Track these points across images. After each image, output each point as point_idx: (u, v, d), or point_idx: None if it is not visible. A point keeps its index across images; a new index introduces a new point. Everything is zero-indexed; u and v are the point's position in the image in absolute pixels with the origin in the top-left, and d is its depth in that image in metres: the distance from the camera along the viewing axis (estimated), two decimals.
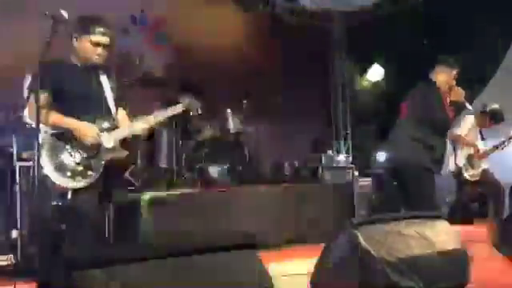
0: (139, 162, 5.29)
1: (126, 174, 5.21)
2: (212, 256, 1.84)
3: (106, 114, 2.93)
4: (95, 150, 2.82)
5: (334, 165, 6.39)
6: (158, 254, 1.85)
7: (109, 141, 2.85)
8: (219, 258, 1.84)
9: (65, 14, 2.58)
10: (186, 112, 3.20)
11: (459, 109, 3.85)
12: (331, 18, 9.83)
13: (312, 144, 8.18)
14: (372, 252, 2.14)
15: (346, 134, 9.93)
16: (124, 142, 2.90)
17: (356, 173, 6.72)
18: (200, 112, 3.26)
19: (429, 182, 3.67)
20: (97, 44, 2.91)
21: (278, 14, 8.90)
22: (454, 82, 3.85)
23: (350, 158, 6.60)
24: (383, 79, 12.72)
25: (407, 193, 3.85)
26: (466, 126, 5.37)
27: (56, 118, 2.79)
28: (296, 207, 4.99)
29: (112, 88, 3.00)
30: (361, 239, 2.17)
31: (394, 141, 4.05)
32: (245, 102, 6.07)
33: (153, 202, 4.26)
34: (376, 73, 12.91)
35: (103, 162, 2.82)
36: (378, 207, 6.59)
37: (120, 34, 6.96)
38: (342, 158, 6.59)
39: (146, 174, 5.42)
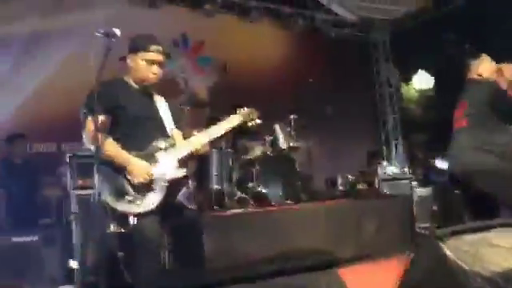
0: (190, 183, 5.20)
1: (179, 197, 5.14)
2: (289, 278, 1.67)
3: (164, 134, 2.83)
4: (155, 170, 2.72)
5: (391, 176, 6.10)
6: (226, 279, 1.70)
7: (168, 161, 2.75)
8: (298, 280, 1.68)
9: (117, 31, 2.52)
10: (243, 124, 3.06)
11: None
12: (373, 27, 9.62)
13: (364, 156, 7.90)
14: (463, 265, 1.91)
15: (397, 144, 9.60)
16: (183, 162, 2.79)
17: (414, 183, 6.41)
18: (258, 121, 3.09)
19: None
20: (152, 62, 2.83)
21: (319, 27, 8.78)
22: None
23: (406, 169, 6.30)
24: (431, 86, 12.35)
25: (479, 200, 3.53)
26: None
27: (110, 148, 2.67)
28: (356, 222, 4.74)
29: (167, 108, 2.92)
30: (448, 251, 1.95)
31: (458, 150, 3.72)
32: (293, 117, 5.91)
33: (213, 223, 4.13)
34: (423, 80, 12.56)
35: (164, 184, 2.71)
36: (440, 217, 6.25)
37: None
38: (397, 168, 6.30)
39: (198, 196, 5.33)
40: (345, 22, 9.37)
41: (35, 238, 3.98)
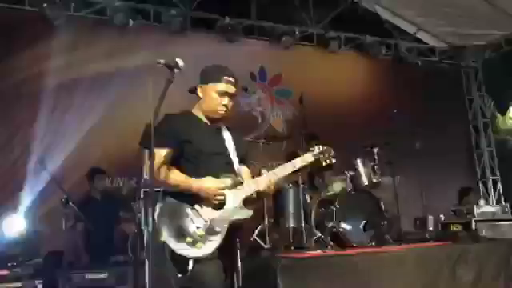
0: (266, 221, 4.93)
1: (254, 236, 4.89)
2: None
3: (230, 171, 2.61)
4: (218, 210, 2.49)
5: (490, 217, 5.41)
6: None
7: (233, 200, 2.51)
8: None
9: (180, 62, 2.37)
10: (317, 162, 2.77)
11: None
12: (464, 53, 8.96)
13: (457, 194, 7.18)
14: None
15: (496, 180, 8.71)
16: (249, 201, 2.53)
17: None
18: (333, 160, 2.77)
19: None
20: (224, 94, 2.66)
21: (404, 56, 8.32)
22: None
23: (508, 208, 5.57)
24: None
25: None
26: None
27: (178, 177, 2.50)
28: (451, 270, 4.18)
29: (235, 143, 2.71)
30: None
31: None
32: (377, 150, 5.48)
33: (288, 265, 3.80)
34: None
35: (227, 225, 2.47)
36: None
37: (241, 93, 6.95)
38: (497, 208, 5.58)
39: (274, 235, 5.04)
40: (433, 50, 8.83)
41: (105, 276, 3.89)
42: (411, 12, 8.33)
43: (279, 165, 2.68)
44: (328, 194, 5.32)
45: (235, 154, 2.65)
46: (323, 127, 6.50)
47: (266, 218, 4.95)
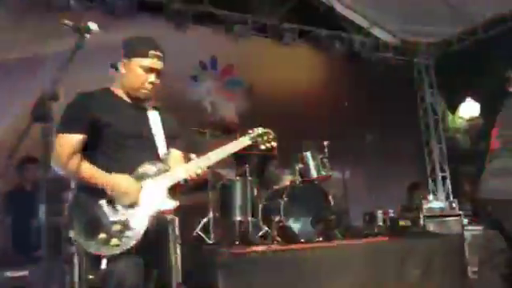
0: (211, 214, 4.69)
1: (197, 230, 4.64)
2: None
3: (155, 156, 2.33)
4: (135, 205, 2.20)
5: (438, 212, 5.38)
6: None
7: (156, 190, 2.22)
8: None
9: (93, 26, 2.03)
10: (255, 146, 2.52)
11: None
12: (417, 50, 9.01)
13: (407, 190, 7.17)
14: None
15: (445, 176, 8.80)
16: (176, 190, 2.26)
17: (464, 220, 5.65)
18: (274, 144, 2.53)
19: None
20: (150, 70, 2.36)
21: (357, 51, 8.25)
22: None
23: (456, 204, 5.56)
24: (477, 114, 11.53)
25: None
26: None
27: (86, 170, 2.19)
28: (399, 265, 4.08)
29: (164, 125, 2.41)
30: None
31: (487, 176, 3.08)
32: (326, 143, 5.34)
33: (230, 262, 3.59)
34: (470, 108, 11.75)
35: (148, 219, 2.18)
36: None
37: (190, 81, 6.66)
38: (445, 204, 5.57)
39: (218, 229, 4.81)
40: (386, 46, 8.82)
41: (26, 273, 3.54)
42: (366, 7, 8.28)
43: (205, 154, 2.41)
44: (276, 187, 5.13)
45: (163, 137, 2.36)
46: (274, 120, 6.28)
47: (211, 212, 4.71)
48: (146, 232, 2.13)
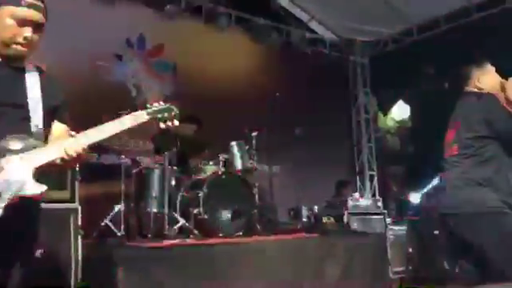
0: (123, 204, 4.29)
1: (106, 220, 4.23)
2: None
3: (26, 129, 1.90)
4: None
5: (363, 210, 5.30)
6: None
7: (17, 171, 1.79)
8: None
9: None
10: (154, 123, 2.17)
11: None
12: (352, 48, 8.99)
13: (334, 187, 7.10)
14: None
15: (373, 175, 8.86)
16: (45, 172, 1.84)
17: (388, 220, 5.62)
18: (176, 122, 2.16)
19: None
20: (24, 22, 1.91)
21: (294, 43, 8.07)
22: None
23: (380, 203, 5.51)
24: (408, 116, 11.83)
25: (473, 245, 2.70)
26: None
27: None
28: (318, 263, 3.90)
29: (46, 92, 1.98)
30: None
31: (447, 185, 2.90)
32: (255, 134, 5.09)
33: (132, 257, 3.23)
34: (401, 110, 12.01)
35: (3, 204, 1.73)
36: (417, 261, 5.46)
37: (114, 60, 6.17)
38: (370, 202, 5.50)
39: (131, 220, 4.43)
40: (323, 41, 8.72)
41: None
42: (306, 1, 8.13)
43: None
44: (198, 177, 4.81)
45: (42, 106, 1.94)
46: (202, 106, 6.00)
47: (123, 201, 4.30)
48: (6, 220, 1.71)
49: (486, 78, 2.84)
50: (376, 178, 8.83)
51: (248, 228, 4.51)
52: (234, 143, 4.79)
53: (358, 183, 8.77)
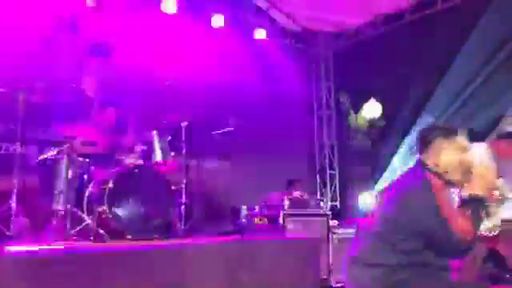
0: (14, 201, 3.71)
1: None
2: None
3: None
4: None
5: (301, 211, 4.78)
6: None
7: None
8: None
9: None
10: None
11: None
12: (315, 40, 8.49)
13: (286, 186, 6.56)
14: None
15: (333, 174, 8.38)
16: None
17: (335, 222, 5.12)
18: None
19: None
20: None
21: (252, 33, 7.56)
22: None
23: (326, 203, 5.02)
24: (379, 115, 11.40)
25: None
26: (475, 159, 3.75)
27: None
28: (232, 270, 3.38)
29: None
30: None
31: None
32: (185, 124, 4.57)
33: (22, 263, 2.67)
34: (372, 109, 11.56)
35: None
36: None
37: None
38: (312, 202, 4.98)
39: (25, 220, 3.86)
40: (284, 31, 8.22)
41: None
42: None
43: None
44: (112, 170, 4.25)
45: None
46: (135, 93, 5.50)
47: (15, 197, 3.73)
48: None
49: (447, 157, 2.26)
50: (337, 178, 8.35)
51: (165, 230, 3.98)
52: (154, 132, 4.25)
53: (318, 182, 8.28)
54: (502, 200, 3.76)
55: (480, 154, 2.42)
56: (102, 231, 3.76)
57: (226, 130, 4.67)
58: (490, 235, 3.66)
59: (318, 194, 8.18)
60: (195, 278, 3.27)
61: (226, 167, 6.07)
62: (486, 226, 3.67)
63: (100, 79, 5.78)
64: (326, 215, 4.86)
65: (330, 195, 8.11)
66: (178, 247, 3.52)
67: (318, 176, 8.30)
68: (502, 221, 3.69)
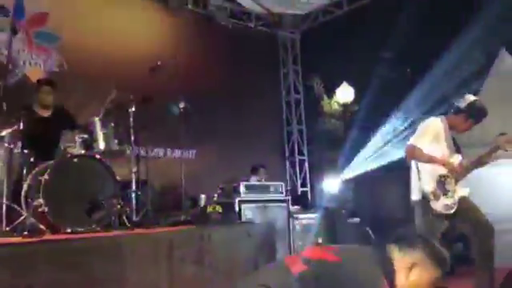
0: None
1: None
2: None
3: None
4: None
5: (259, 198, 4.59)
6: None
7: None
8: None
9: None
10: None
11: None
12: (281, 23, 8.27)
13: (250, 172, 6.37)
14: None
15: (302, 159, 8.21)
16: None
17: (296, 207, 4.95)
18: None
19: None
20: None
21: (211, 15, 7.30)
22: None
23: (283, 188, 4.83)
24: (351, 99, 11.27)
25: None
26: (427, 135, 3.60)
27: None
28: (176, 260, 3.18)
29: None
30: None
31: None
32: (132, 109, 4.31)
33: None
34: (345, 93, 11.41)
35: None
36: None
37: None
38: (272, 187, 4.79)
39: None
40: (248, 14, 7.97)
41: None
42: None
43: None
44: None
45: None
46: (95, 81, 5.27)
47: None
48: None
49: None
50: (306, 164, 8.18)
51: (109, 222, 3.76)
52: (96, 119, 4.00)
53: (288, 168, 8.11)
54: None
55: None
56: (40, 225, 3.53)
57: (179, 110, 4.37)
58: (449, 213, 3.53)
59: (288, 180, 8.02)
60: (136, 269, 3.08)
61: (191, 156, 5.86)
62: (444, 203, 3.55)
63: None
64: (285, 201, 4.67)
65: (299, 181, 7.94)
66: (118, 239, 3.32)
67: (287, 162, 8.12)
68: (459, 199, 3.58)
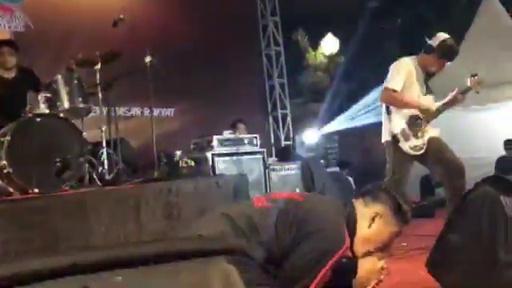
0: None
1: None
2: None
3: None
4: None
5: (233, 151, 4.53)
6: None
7: None
8: None
9: None
10: None
11: None
12: None
13: (231, 127, 6.29)
14: None
15: (285, 114, 8.12)
16: None
17: (273, 159, 4.91)
18: None
19: None
20: None
21: None
22: None
23: (257, 141, 4.76)
24: (336, 50, 11.12)
25: None
26: (401, 74, 3.53)
27: None
28: (140, 212, 3.16)
29: None
30: None
31: None
32: (98, 67, 4.18)
33: None
34: (330, 44, 11.23)
35: None
36: None
37: None
38: (246, 139, 4.73)
39: None
40: None
41: None
42: None
43: None
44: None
45: None
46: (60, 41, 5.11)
47: None
48: None
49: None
50: (289, 118, 8.10)
51: (78, 181, 3.71)
52: (59, 76, 3.88)
53: (271, 122, 8.03)
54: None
55: None
56: (8, 187, 3.49)
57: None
58: (417, 154, 3.50)
59: (272, 134, 7.97)
60: (102, 226, 3.06)
61: (169, 114, 5.77)
62: (414, 144, 3.51)
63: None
64: (260, 152, 4.63)
65: (283, 135, 7.89)
66: (82, 196, 3.29)
67: (270, 116, 8.04)
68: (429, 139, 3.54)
